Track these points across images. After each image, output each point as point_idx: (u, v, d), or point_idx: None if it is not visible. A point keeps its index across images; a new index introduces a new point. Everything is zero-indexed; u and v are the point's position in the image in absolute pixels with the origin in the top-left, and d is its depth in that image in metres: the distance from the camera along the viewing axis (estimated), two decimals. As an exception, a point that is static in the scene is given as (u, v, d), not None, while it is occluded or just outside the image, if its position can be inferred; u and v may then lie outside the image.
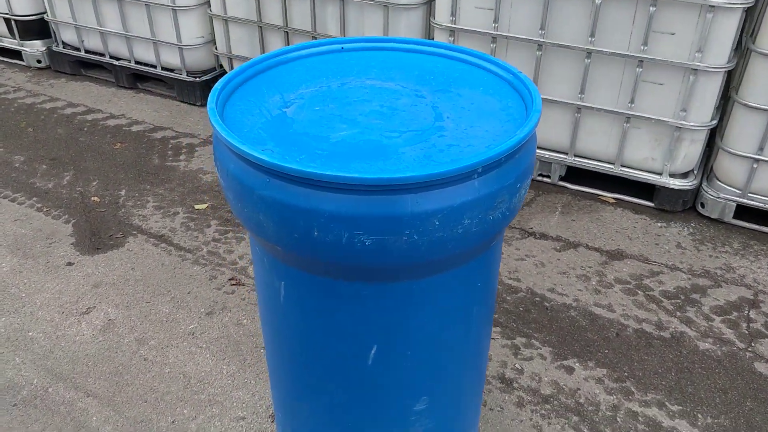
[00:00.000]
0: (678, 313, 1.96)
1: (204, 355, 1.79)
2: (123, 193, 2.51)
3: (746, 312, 1.96)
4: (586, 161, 2.50)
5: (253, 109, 1.06)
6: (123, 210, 2.40)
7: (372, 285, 0.98)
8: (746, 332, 1.89)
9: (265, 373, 1.74)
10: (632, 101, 2.30)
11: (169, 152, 2.78)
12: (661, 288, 2.06)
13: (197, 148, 2.80)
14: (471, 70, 1.19)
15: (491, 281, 1.14)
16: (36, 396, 1.67)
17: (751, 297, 2.02)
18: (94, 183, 2.57)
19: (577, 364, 1.79)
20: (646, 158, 2.40)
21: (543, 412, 1.65)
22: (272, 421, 1.61)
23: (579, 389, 1.71)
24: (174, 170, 2.65)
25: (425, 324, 1.05)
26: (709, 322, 1.93)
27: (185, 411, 1.63)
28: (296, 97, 1.10)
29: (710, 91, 2.21)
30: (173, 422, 1.60)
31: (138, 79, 3.30)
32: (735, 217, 2.34)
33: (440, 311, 1.05)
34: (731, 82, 2.31)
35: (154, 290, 2.02)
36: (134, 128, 2.97)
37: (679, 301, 2.00)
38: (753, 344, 1.85)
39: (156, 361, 1.77)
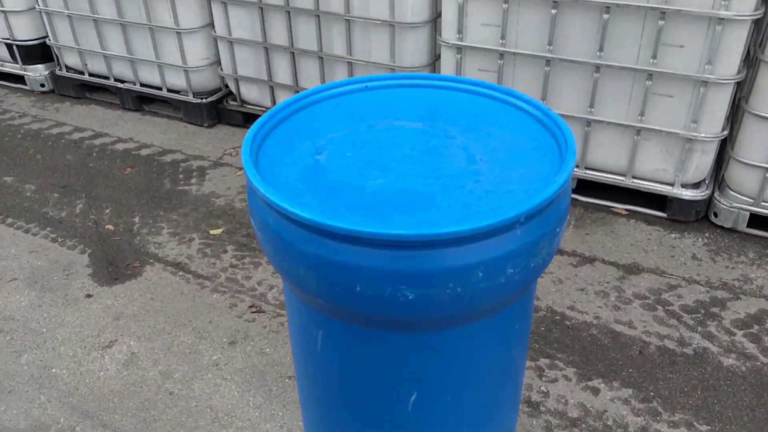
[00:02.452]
0: (699, 328, 1.96)
1: (229, 387, 1.79)
2: (137, 219, 2.51)
3: (767, 325, 1.97)
4: (597, 173, 2.50)
5: (285, 157, 1.06)
6: (138, 238, 2.40)
7: (412, 335, 0.99)
8: (768, 345, 1.89)
9: (292, 404, 1.74)
10: (642, 114, 2.30)
11: (180, 176, 2.78)
12: (680, 302, 2.06)
13: (208, 171, 2.80)
14: (498, 106, 1.20)
15: (528, 320, 1.14)
16: (64, 436, 1.66)
17: (771, 308, 2.02)
18: (107, 210, 2.57)
19: (602, 385, 1.79)
20: (657, 170, 2.40)
21: (571, 435, 1.65)
22: (302, 454, 1.61)
23: (606, 411, 1.72)
24: (186, 194, 2.65)
25: (465, 369, 1.05)
26: (731, 337, 1.93)
27: (214, 446, 1.63)
28: (326, 142, 1.11)
29: (721, 102, 2.21)
30: (203, 458, 1.60)
31: (143, 101, 3.30)
32: (749, 225, 2.34)
33: (480, 356, 1.05)
34: (741, 91, 2.32)
35: (175, 321, 2.02)
36: (143, 152, 2.97)
37: (699, 315, 2.01)
38: (775, 357, 1.85)
39: (182, 395, 1.77)
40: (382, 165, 1.04)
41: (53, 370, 1.86)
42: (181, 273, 2.22)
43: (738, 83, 2.21)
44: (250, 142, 1.05)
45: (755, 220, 2.34)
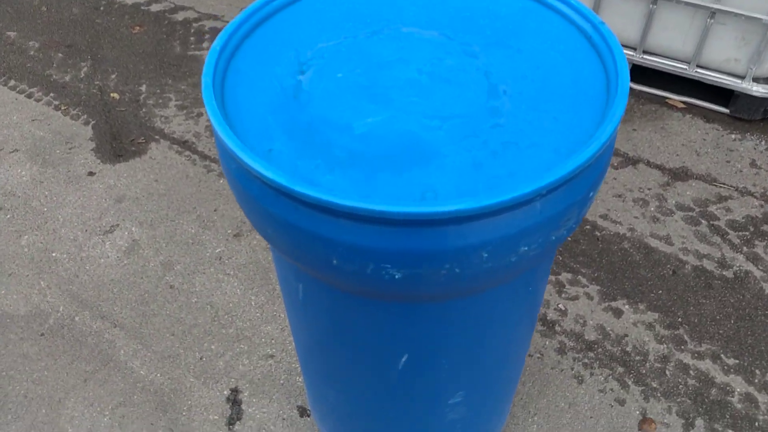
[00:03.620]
0: (744, 249, 1.78)
1: (232, 284, 1.72)
2: (143, 88, 2.33)
3: (822, 249, 1.77)
4: (657, 59, 2.18)
5: (261, 75, 0.86)
6: (144, 110, 2.24)
7: (402, 304, 0.84)
8: (820, 274, 1.71)
9: (294, 306, 1.67)
10: (721, -8, 1.94)
11: (192, 38, 2.55)
12: (728, 217, 1.86)
13: (221, 34, 2.56)
14: (536, 10, 0.95)
15: (543, 284, 0.98)
16: (63, 325, 1.64)
17: (830, 230, 1.81)
18: (113, 76, 2.39)
19: (626, 306, 1.66)
20: (728, 59, 2.08)
21: (586, 360, 1.56)
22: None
23: (627, 336, 1.60)
24: (197, 61, 2.44)
25: (464, 337, 0.92)
26: (779, 260, 1.75)
27: (213, 346, 1.59)
28: (314, 55, 0.89)
29: (820, -18, 1.84)
30: (201, 359, 1.57)
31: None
32: (823, 129, 2.06)
33: (484, 322, 0.91)
34: None
35: (179, 207, 1.92)
36: (153, 7, 2.72)
37: (747, 233, 1.81)
38: (826, 288, 1.68)
39: (182, 289, 1.71)
40: (379, 94, 0.83)
41: (53, 254, 1.81)
42: (187, 153, 2.09)
43: None
44: (217, 55, 0.85)
45: (832, 124, 2.05)
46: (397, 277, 0.73)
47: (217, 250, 1.81)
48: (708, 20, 2.01)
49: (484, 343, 0.95)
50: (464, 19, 0.94)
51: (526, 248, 0.75)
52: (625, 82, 0.78)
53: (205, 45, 2.51)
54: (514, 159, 0.75)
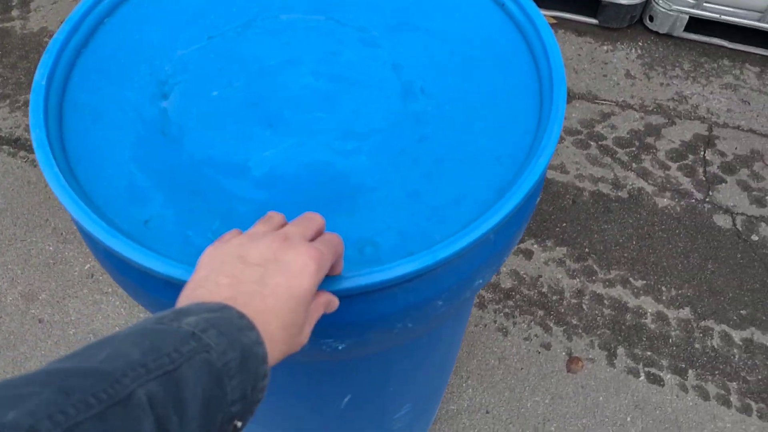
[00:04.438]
0: (634, 165, 1.80)
1: (113, 303, 1.50)
2: (-53, 78, 1.93)
3: (702, 153, 1.83)
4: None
5: (111, 106, 0.66)
6: (-46, 105, 1.86)
7: (343, 361, 0.72)
8: (703, 179, 1.77)
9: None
10: None
11: (-5, 6, 2.12)
12: (614, 135, 1.87)
13: (32, -3, 2.15)
14: None
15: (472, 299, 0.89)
16: None
17: (706, 133, 1.88)
18: None
19: (535, 246, 1.64)
20: (592, -31, 2.03)
21: (507, 310, 1.53)
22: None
23: (541, 276, 1.59)
24: (9, 35, 2.04)
25: (410, 366, 0.81)
26: (666, 171, 1.79)
27: (107, 380, 1.39)
28: (175, 67, 0.69)
29: None
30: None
31: None
32: (685, 30, 2.09)
33: (429, 350, 0.81)
34: None
35: (27, 222, 1.63)
36: (-64, -28, 2.22)
37: (633, 149, 1.84)
38: (711, 193, 1.75)
39: (54, 321, 1.47)
40: (273, 114, 0.66)
41: None
42: (22, 153, 1.76)
43: None
44: (43, 92, 0.63)
45: (692, 24, 2.08)
46: (340, 348, 0.60)
47: (86, 267, 1.56)
48: (570, -70, 1.93)
49: (430, 362, 0.85)
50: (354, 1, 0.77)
51: (480, 281, 0.64)
52: (559, 67, 0.67)
53: (15, 13, 2.10)
54: (452, 180, 0.62)
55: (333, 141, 0.64)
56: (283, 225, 0.52)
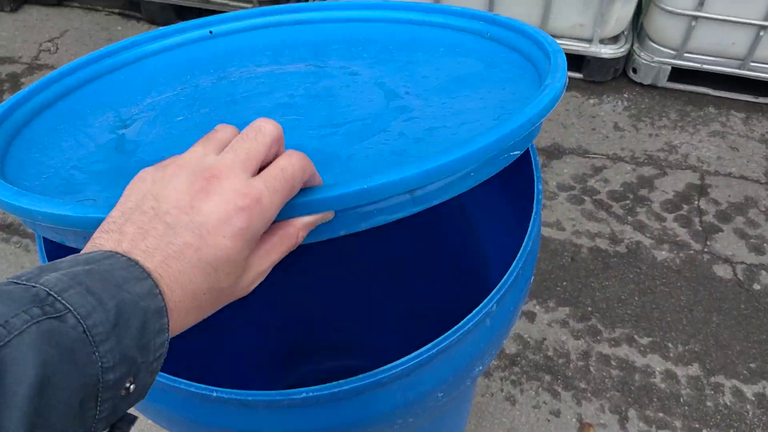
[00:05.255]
0: (629, 218, 1.80)
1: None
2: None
3: (696, 203, 1.83)
4: (506, 35, 2.13)
5: (64, 137, 0.63)
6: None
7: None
8: (700, 228, 1.77)
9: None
10: (557, -39, 1.91)
11: (-14, 91, 2.14)
12: (607, 188, 1.87)
13: (22, 80, 2.17)
14: (420, 30, 0.79)
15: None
16: None
17: (698, 182, 1.88)
18: None
19: (537, 307, 1.62)
20: (574, 25, 2.07)
21: (513, 377, 1.50)
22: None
23: (545, 339, 1.56)
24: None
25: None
26: (662, 223, 1.79)
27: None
28: (142, 109, 0.68)
29: (648, -59, 1.85)
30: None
31: None
32: (669, 80, 2.13)
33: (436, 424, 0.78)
34: (667, -76, 1.95)
35: None
36: (-74, 59, 2.25)
37: (628, 202, 1.84)
38: (708, 242, 1.74)
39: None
40: (240, 122, 0.64)
41: None
42: (15, 239, 1.74)
43: None
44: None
45: (675, 74, 2.11)
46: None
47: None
48: (549, -10, 1.98)
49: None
50: (336, 51, 0.77)
51: (480, 368, 0.62)
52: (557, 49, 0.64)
53: (5, 97, 2.11)
54: (446, 138, 0.57)
55: (305, 131, 0.60)
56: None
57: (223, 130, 0.43)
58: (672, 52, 2.06)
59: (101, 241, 0.38)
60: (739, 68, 2.02)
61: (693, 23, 1.96)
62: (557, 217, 1.80)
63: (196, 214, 0.38)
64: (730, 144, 1.97)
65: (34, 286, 0.33)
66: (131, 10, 2.32)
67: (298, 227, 0.42)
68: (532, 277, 0.69)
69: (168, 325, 0.37)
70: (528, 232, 0.60)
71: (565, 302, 1.63)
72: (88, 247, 0.38)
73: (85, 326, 0.33)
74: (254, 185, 0.39)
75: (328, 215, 0.43)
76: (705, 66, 2.05)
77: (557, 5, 2.01)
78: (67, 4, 2.39)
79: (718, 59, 2.03)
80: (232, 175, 0.39)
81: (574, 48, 2.10)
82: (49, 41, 2.29)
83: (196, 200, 0.38)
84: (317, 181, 0.43)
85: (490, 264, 0.97)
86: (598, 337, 1.57)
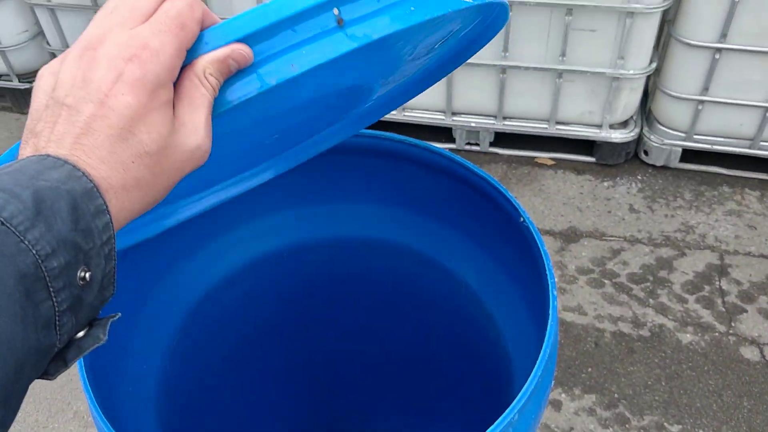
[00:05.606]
0: (651, 300, 1.80)
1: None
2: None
3: (717, 283, 1.83)
4: (518, 123, 2.21)
5: None
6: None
7: None
8: (723, 309, 1.76)
9: None
10: (563, 54, 1.99)
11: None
12: (627, 271, 1.88)
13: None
14: None
15: None
16: None
17: (718, 262, 1.88)
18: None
19: (563, 396, 1.60)
20: (582, 113, 2.14)
21: (541, 470, 1.47)
22: None
23: (572, 429, 1.54)
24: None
25: None
26: (684, 305, 1.78)
27: None
28: None
29: (648, 33, 1.94)
30: None
31: (-44, 90, 2.63)
32: (681, 160, 2.17)
33: None
34: (666, 16, 2.05)
35: (49, 407, 1.63)
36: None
37: (648, 284, 1.84)
38: (733, 324, 1.72)
39: None
40: None
41: None
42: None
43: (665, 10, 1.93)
44: None
45: (687, 155, 2.16)
46: None
47: (107, 453, 1.53)
48: (557, 80, 2.06)
49: None
50: None
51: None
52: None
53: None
54: None
55: None
56: None
57: None
58: (681, 134, 2.11)
59: (22, 152, 0.37)
60: (749, 148, 2.06)
61: (699, 107, 2.02)
62: (578, 301, 1.81)
63: (90, 83, 0.36)
64: (747, 222, 1.98)
65: None
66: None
67: (203, 65, 0.40)
68: (552, 383, 0.70)
69: (106, 206, 0.35)
70: (546, 339, 0.62)
71: (590, 389, 1.61)
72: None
73: (1, 219, 0.31)
74: (137, 33, 0.37)
75: (239, 49, 0.40)
76: (715, 147, 2.09)
77: (566, 94, 2.09)
78: None
79: (727, 140, 2.08)
80: (116, 34, 0.38)
81: (584, 133, 2.17)
82: None
83: (87, 72, 0.37)
84: (213, 19, 0.41)
85: (510, 358, 0.98)
86: (627, 425, 1.54)
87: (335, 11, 0.42)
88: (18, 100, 2.53)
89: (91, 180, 0.35)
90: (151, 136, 0.37)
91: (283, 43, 0.42)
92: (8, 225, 0.31)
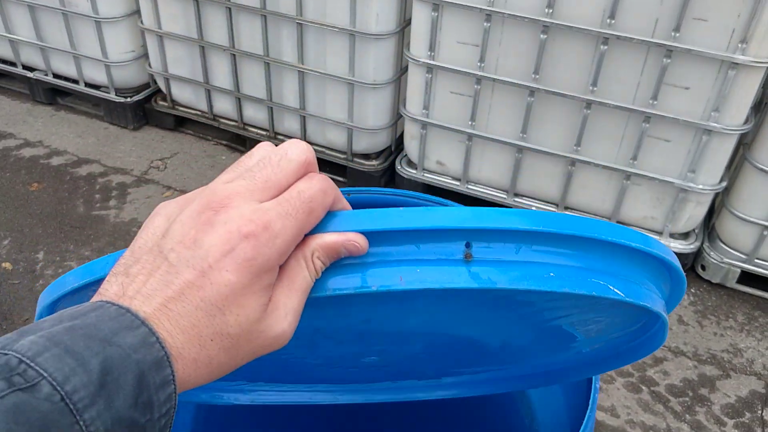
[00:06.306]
0: (687, 416, 1.75)
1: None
2: (41, 256, 2.11)
3: (759, 412, 1.77)
4: (580, 216, 2.23)
5: None
6: (41, 282, 2.01)
7: None
8: (763, 441, 1.70)
9: None
10: (635, 157, 2.03)
11: (97, 195, 2.37)
12: (666, 381, 1.84)
13: (130, 190, 2.40)
14: None
15: None
16: None
17: (763, 390, 1.83)
18: (6, 242, 2.16)
19: (583, 496, 1.56)
20: (645, 217, 2.16)
21: None
22: None
23: None
24: (103, 222, 2.25)
25: None
26: (722, 428, 1.73)
27: None
28: None
29: (723, 152, 1.96)
30: None
31: (58, 93, 2.83)
32: (738, 282, 2.14)
33: None
34: (743, 138, 2.07)
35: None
36: (54, 161, 2.54)
37: (687, 399, 1.80)
38: (771, 458, 1.66)
39: None
40: None
41: None
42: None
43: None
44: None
45: (745, 277, 2.13)
46: None
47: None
48: (624, 181, 2.09)
49: None
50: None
51: None
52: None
53: (112, 203, 2.34)
54: None
55: None
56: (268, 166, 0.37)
57: (262, 150, 0.39)
58: (743, 255, 2.09)
59: (107, 285, 0.35)
60: (810, 282, 2.03)
61: (765, 232, 2.01)
62: (612, 402, 1.78)
63: (198, 247, 0.34)
64: (799, 357, 1.93)
65: (5, 354, 0.29)
66: (236, 143, 2.57)
67: (314, 246, 0.37)
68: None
69: (173, 377, 0.33)
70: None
71: (613, 496, 1.56)
72: (94, 297, 0.35)
73: (62, 393, 0.29)
74: (263, 210, 0.35)
75: (354, 240, 0.37)
76: (775, 274, 2.07)
77: (631, 196, 2.11)
78: (182, 130, 2.68)
79: (789, 270, 2.05)
80: (243, 203, 0.35)
81: (643, 237, 2.17)
82: (159, 160, 2.55)
83: (200, 233, 0.34)
84: (343, 205, 0.39)
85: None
86: None
87: (466, 244, 0.40)
88: (111, 111, 2.70)
89: (164, 347, 0.33)
90: (238, 319, 0.35)
91: (401, 254, 0.39)
92: (67, 401, 0.29)
